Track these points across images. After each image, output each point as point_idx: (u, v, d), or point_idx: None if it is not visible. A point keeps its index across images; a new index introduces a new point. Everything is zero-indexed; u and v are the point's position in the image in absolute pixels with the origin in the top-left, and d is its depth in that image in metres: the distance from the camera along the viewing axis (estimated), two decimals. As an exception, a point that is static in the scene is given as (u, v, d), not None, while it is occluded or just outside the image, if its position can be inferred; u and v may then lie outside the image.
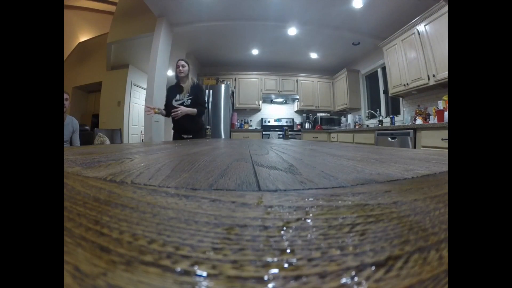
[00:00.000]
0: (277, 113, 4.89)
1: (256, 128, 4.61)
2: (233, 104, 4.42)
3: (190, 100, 1.80)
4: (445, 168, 0.31)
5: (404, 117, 3.27)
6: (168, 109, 1.82)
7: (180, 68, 1.82)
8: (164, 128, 3.43)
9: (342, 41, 3.77)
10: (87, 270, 0.08)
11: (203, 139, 1.63)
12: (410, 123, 2.82)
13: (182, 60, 1.86)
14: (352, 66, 4.47)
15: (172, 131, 1.91)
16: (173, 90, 1.86)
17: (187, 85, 1.81)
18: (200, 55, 4.50)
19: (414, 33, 2.63)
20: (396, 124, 3.27)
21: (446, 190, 0.19)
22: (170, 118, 1.80)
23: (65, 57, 4.99)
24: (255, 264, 0.09)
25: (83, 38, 5.44)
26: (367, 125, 4.00)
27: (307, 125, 4.55)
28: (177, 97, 1.81)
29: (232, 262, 0.09)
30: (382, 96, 3.84)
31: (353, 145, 1.01)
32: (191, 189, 0.19)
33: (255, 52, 4.33)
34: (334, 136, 3.88)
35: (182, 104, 1.79)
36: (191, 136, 1.86)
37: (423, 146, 2.09)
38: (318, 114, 4.66)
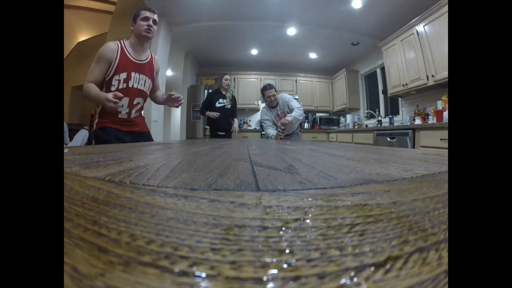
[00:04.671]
0: (276, 113, 4.90)
1: (255, 128, 4.61)
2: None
3: (230, 105, 2.38)
4: (444, 168, 0.31)
5: (403, 117, 3.27)
6: (211, 109, 2.34)
7: (228, 81, 2.38)
8: (163, 128, 3.42)
9: (341, 41, 3.77)
10: (85, 270, 0.08)
11: (204, 139, 1.70)
12: (409, 123, 2.82)
13: (227, 75, 2.39)
14: (351, 66, 4.48)
15: (206, 128, 2.38)
16: (215, 95, 2.39)
17: (229, 94, 2.40)
18: (199, 55, 4.49)
19: (413, 33, 2.64)
20: (395, 124, 3.27)
21: (445, 190, 0.19)
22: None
23: (64, 56, 4.98)
24: (254, 265, 0.09)
25: (82, 37, 5.43)
26: (366, 125, 4.01)
27: (306, 125, 4.56)
28: (220, 100, 2.35)
29: (231, 263, 0.09)
30: (381, 96, 3.84)
31: (352, 145, 1.01)
32: (189, 189, 0.19)
33: (254, 52, 4.33)
34: (333, 136, 3.89)
35: (223, 106, 2.35)
36: (224, 133, 2.40)
37: (422, 146, 2.09)
38: (317, 114, 4.66)
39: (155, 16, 1.30)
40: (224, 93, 2.39)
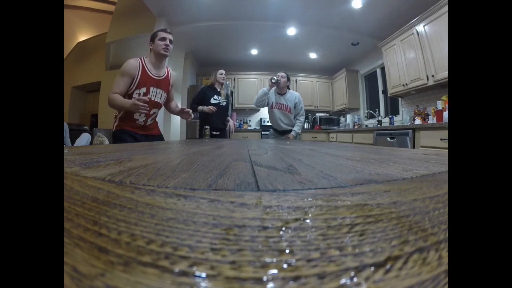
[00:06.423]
0: (276, 113, 4.90)
1: (255, 128, 4.61)
2: (232, 104, 4.42)
3: (225, 102, 2.23)
4: (444, 168, 0.31)
5: (403, 117, 3.27)
6: (206, 104, 2.13)
7: (223, 75, 2.22)
8: (163, 128, 3.42)
9: (341, 41, 3.77)
10: (85, 270, 0.08)
11: (203, 139, 1.70)
12: (409, 123, 2.82)
13: (222, 69, 2.24)
14: (351, 66, 4.48)
15: (206, 128, 2.13)
16: (210, 91, 2.20)
17: (224, 90, 2.24)
18: (199, 55, 4.50)
19: (413, 33, 2.64)
20: (395, 124, 3.27)
21: (445, 190, 0.19)
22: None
23: (64, 56, 4.98)
24: (254, 265, 0.09)
25: (82, 37, 5.43)
26: (366, 125, 4.01)
27: (306, 125, 4.56)
28: (215, 97, 2.17)
29: (231, 263, 0.09)
30: (381, 96, 3.84)
31: (352, 145, 1.01)
32: (190, 189, 0.19)
33: (254, 52, 4.33)
34: (333, 136, 3.88)
35: (219, 104, 2.16)
36: (218, 133, 2.22)
37: (422, 146, 2.09)
38: (317, 114, 4.66)
39: (171, 36, 1.45)
40: (219, 89, 2.21)
